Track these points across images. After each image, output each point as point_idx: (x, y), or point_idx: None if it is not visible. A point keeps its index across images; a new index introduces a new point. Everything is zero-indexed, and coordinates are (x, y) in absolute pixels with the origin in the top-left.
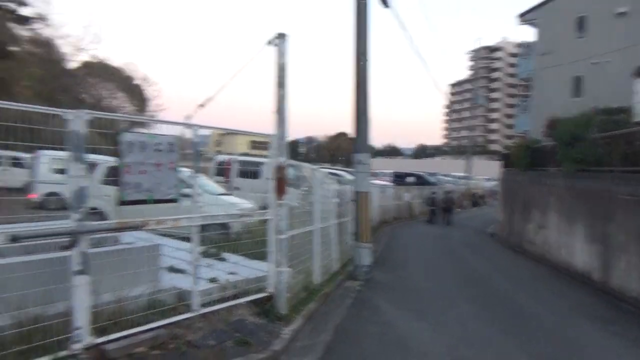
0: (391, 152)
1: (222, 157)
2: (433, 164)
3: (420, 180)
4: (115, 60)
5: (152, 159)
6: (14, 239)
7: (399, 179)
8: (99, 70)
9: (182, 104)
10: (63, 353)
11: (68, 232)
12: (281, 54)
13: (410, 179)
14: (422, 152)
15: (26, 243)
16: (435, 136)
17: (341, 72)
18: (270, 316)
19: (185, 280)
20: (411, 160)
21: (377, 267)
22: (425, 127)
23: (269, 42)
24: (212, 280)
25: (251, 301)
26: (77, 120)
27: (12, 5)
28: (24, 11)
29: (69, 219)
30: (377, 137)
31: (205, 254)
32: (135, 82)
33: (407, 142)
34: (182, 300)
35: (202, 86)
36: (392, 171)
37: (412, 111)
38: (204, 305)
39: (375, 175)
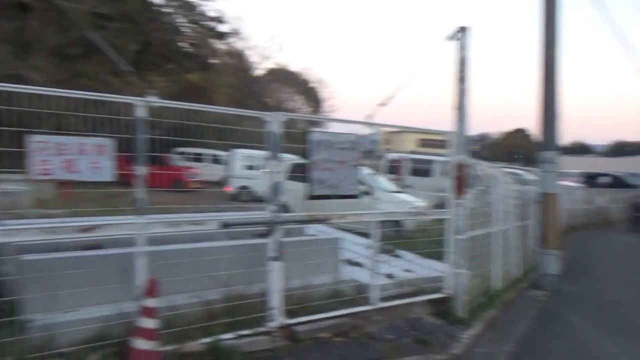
0: (579, 149)
1: (393, 155)
2: (634, 163)
3: (618, 182)
4: (293, 65)
5: (337, 157)
6: (225, 225)
7: (590, 179)
8: (280, 76)
9: (353, 103)
10: (260, 329)
11: (267, 222)
12: (462, 48)
13: (604, 180)
14: (619, 149)
15: (231, 230)
16: (637, 131)
17: (518, 63)
18: (448, 318)
19: (363, 274)
20: (604, 158)
21: (566, 277)
22: (622, 121)
23: (450, 37)
24: (389, 276)
25: (427, 301)
26: (274, 122)
27: (212, 24)
28: (221, 28)
29: (265, 210)
30: (562, 133)
31: (381, 250)
32: (311, 85)
33: (598, 139)
34: (360, 292)
35: (371, 85)
36: (580, 171)
37: (605, 103)
38: (381, 299)
39: (561, 175)
